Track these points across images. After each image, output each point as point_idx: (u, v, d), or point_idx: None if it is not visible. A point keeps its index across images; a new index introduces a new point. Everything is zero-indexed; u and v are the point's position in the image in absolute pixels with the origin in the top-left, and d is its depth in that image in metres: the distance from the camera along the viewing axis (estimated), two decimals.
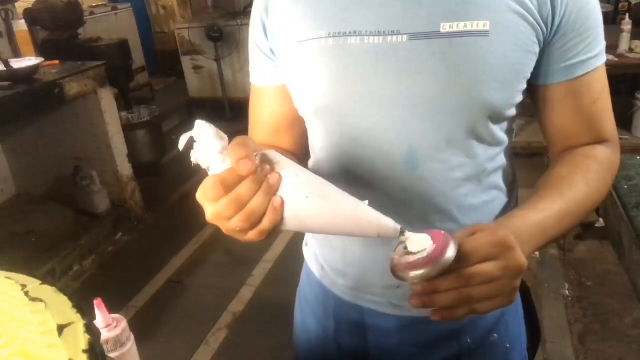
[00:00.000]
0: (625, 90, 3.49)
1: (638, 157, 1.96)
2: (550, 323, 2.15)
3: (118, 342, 0.73)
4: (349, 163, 0.71)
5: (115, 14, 5.41)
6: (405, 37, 0.63)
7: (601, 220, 2.31)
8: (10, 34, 2.98)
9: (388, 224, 0.54)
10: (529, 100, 0.72)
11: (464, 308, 0.53)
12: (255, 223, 0.54)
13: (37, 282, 0.53)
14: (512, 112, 0.69)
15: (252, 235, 0.55)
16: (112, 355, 0.72)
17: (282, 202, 0.54)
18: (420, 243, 0.52)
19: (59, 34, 3.37)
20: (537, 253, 2.54)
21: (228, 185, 0.52)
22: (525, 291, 0.86)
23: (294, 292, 0.97)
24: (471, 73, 0.62)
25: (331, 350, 0.87)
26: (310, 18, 0.68)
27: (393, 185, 0.69)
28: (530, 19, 0.62)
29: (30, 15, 3.34)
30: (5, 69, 2.45)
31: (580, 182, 0.66)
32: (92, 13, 4.96)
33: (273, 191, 0.53)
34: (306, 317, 0.92)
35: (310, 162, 0.81)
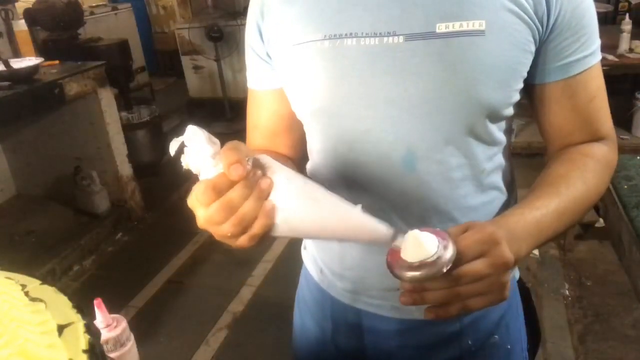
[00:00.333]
0: (625, 90, 3.49)
1: (638, 157, 1.96)
2: (550, 323, 2.15)
3: (118, 342, 0.73)
4: (347, 165, 0.71)
5: (115, 14, 5.41)
6: (401, 38, 0.63)
7: (601, 220, 2.31)
8: (10, 34, 2.98)
9: (380, 228, 0.54)
10: (526, 99, 0.73)
11: (456, 305, 0.54)
12: (246, 228, 0.53)
13: (37, 282, 0.53)
14: (510, 111, 0.69)
15: (243, 241, 0.55)
16: (112, 355, 0.72)
17: (274, 207, 0.53)
18: (424, 243, 0.52)
19: (59, 34, 3.37)
20: (537, 253, 2.54)
21: (219, 190, 0.51)
22: (525, 291, 0.86)
23: (293, 292, 0.97)
24: (468, 72, 0.62)
25: (329, 353, 0.87)
26: (306, 21, 0.68)
27: (392, 187, 0.69)
28: (526, 17, 0.62)
29: (30, 15, 3.35)
30: (5, 69, 2.45)
31: (578, 180, 0.66)
32: (92, 13, 4.97)
33: (264, 196, 0.53)
34: (305, 320, 0.92)
35: (308, 165, 0.81)
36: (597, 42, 0.68)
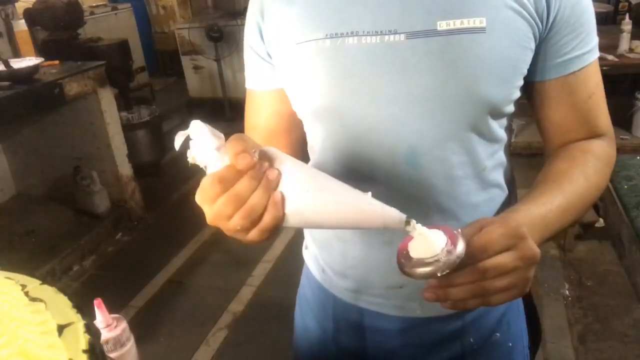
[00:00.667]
0: (625, 90, 3.49)
1: (638, 157, 1.96)
2: (550, 323, 2.15)
3: (118, 342, 0.73)
4: (349, 164, 0.71)
5: (115, 14, 5.41)
6: (402, 36, 0.63)
7: (601, 220, 2.31)
8: (10, 34, 2.98)
9: (393, 213, 0.53)
10: (525, 97, 0.73)
11: (477, 300, 0.54)
12: (255, 220, 0.52)
13: (37, 282, 0.53)
14: (511, 108, 0.69)
15: (253, 235, 0.54)
16: (112, 355, 0.72)
17: (283, 197, 0.53)
18: (431, 239, 0.52)
19: (59, 34, 3.37)
20: None
21: (226, 182, 0.51)
22: None
23: (294, 292, 0.97)
24: (469, 70, 0.62)
25: (330, 352, 0.87)
26: (307, 20, 0.68)
27: (394, 185, 0.69)
28: (526, 14, 0.63)
29: (30, 15, 3.35)
30: (5, 69, 2.45)
31: (580, 176, 0.67)
32: (92, 13, 4.97)
33: (273, 186, 0.52)
34: (306, 319, 0.92)
35: (310, 165, 0.81)
36: (595, 39, 0.68)
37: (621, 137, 3.16)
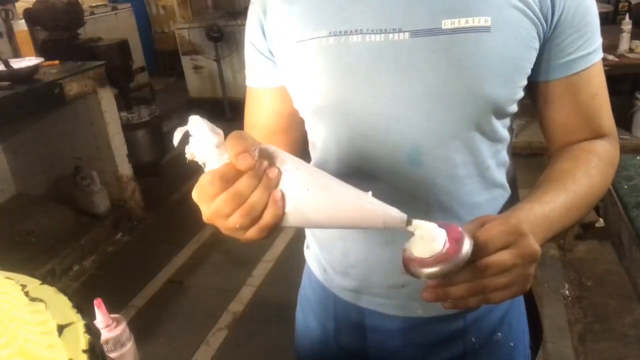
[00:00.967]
0: (626, 90, 3.49)
1: (638, 157, 1.96)
2: (550, 323, 2.15)
3: (118, 342, 0.73)
4: (352, 162, 0.71)
5: (115, 14, 5.41)
6: (406, 35, 0.63)
7: (601, 220, 2.31)
8: (10, 34, 2.98)
9: (394, 213, 0.53)
10: (529, 97, 0.73)
11: (478, 298, 0.53)
12: (255, 219, 0.52)
13: (37, 282, 0.53)
14: (514, 107, 0.69)
15: (252, 233, 0.53)
16: (112, 355, 0.72)
17: (283, 196, 0.52)
18: (434, 238, 0.51)
19: (59, 34, 3.37)
20: None
21: (227, 180, 0.50)
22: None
23: (294, 292, 0.97)
24: (473, 69, 0.62)
25: (332, 351, 0.87)
26: (310, 18, 0.68)
27: (396, 184, 0.69)
28: (531, 14, 0.63)
29: (30, 15, 3.35)
30: (5, 69, 2.45)
31: (583, 176, 0.67)
32: (92, 13, 4.97)
33: (273, 185, 0.52)
34: (307, 318, 0.92)
35: (311, 164, 0.81)
36: (599, 40, 0.68)
37: (621, 137, 3.15)
